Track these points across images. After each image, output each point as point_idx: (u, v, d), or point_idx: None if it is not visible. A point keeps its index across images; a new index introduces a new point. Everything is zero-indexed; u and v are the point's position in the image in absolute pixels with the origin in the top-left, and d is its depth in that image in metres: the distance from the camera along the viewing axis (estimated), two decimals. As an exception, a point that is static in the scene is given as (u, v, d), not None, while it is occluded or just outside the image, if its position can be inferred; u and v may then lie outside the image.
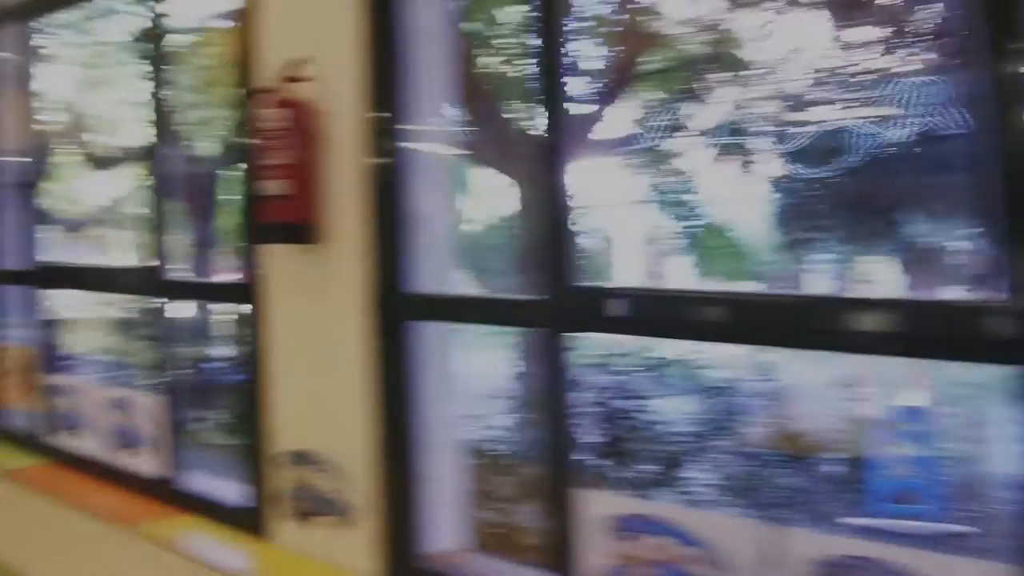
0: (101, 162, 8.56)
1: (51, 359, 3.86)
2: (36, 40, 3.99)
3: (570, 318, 2.03)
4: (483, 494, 3.32)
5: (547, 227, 2.06)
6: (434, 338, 2.43)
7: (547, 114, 2.13)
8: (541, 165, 2.13)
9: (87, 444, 3.51)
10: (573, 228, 2.07)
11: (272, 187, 2.47)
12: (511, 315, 2.18)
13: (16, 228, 4.01)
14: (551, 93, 2.13)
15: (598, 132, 7.96)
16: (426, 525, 2.43)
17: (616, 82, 7.99)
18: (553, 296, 2.05)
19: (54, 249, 4.20)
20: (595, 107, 8.00)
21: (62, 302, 3.91)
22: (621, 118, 8.52)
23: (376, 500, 2.43)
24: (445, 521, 2.48)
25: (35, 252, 3.88)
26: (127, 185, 8.22)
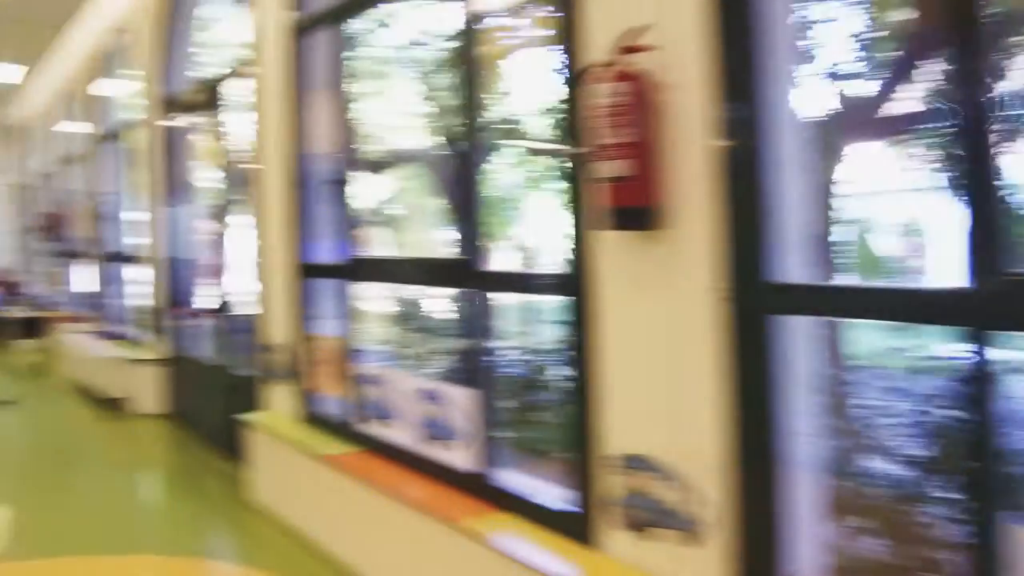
0: (375, 165, 9.06)
1: (359, 349, 3.98)
2: (345, 45, 4.14)
3: (1008, 313, 1.64)
4: (842, 514, 2.94)
5: (975, 208, 1.69)
6: (798, 334, 2.12)
7: (969, 94, 1.74)
8: (964, 145, 1.75)
9: (398, 434, 3.56)
10: (1009, 208, 1.68)
11: (611, 168, 2.28)
12: (922, 310, 1.81)
13: (329, 224, 4.19)
14: (973, 70, 1.74)
15: (887, 110, 7.17)
16: (784, 546, 2.12)
17: (911, 53, 7.13)
18: (982, 286, 1.67)
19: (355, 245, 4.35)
20: (883, 83, 7.21)
21: (367, 294, 4.02)
22: (914, 94, 7.60)
23: (729, 515, 2.16)
24: (804, 543, 2.16)
25: (347, 246, 4.02)
26: (403, 186, 8.62)
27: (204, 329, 6.27)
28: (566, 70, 2.65)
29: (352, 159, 4.07)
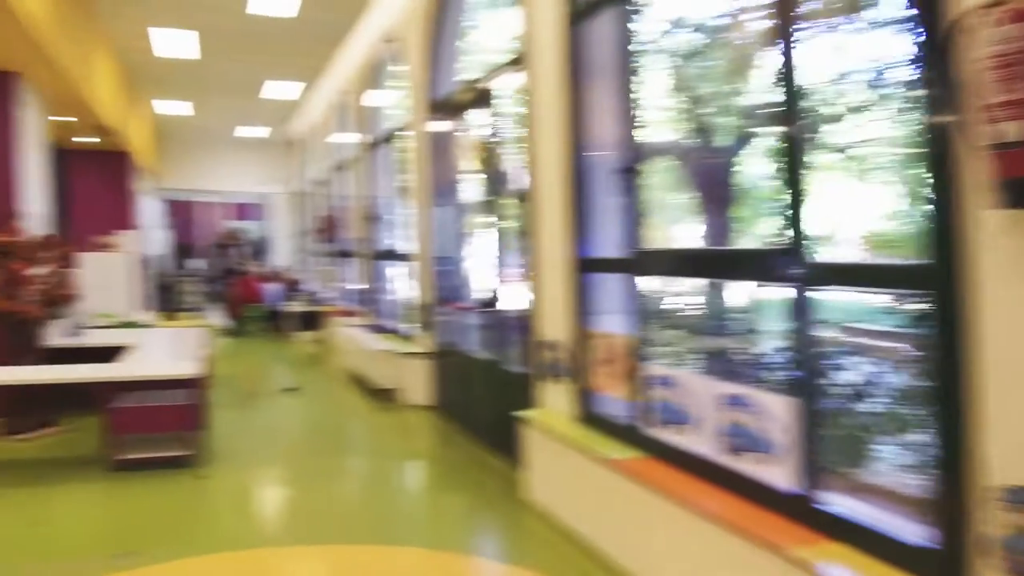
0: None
1: (646, 348, 3.73)
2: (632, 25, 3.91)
3: None
4: None
5: None
6: None
7: None
8: None
9: (693, 441, 3.27)
10: None
11: (1002, 132, 1.84)
12: None
13: (609, 216, 4.00)
14: None
15: None
16: None
17: None
18: None
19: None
20: None
21: (652, 288, 3.76)
22: None
23: None
24: None
25: (634, 239, 3.78)
26: (649, 180, 8.37)
27: (473, 324, 6.37)
28: (921, 21, 2.22)
29: (637, 149, 3.82)
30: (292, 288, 14.81)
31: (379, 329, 9.03)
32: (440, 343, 6.97)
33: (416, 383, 7.31)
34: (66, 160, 12.37)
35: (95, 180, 13.33)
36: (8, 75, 6.87)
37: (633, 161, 3.79)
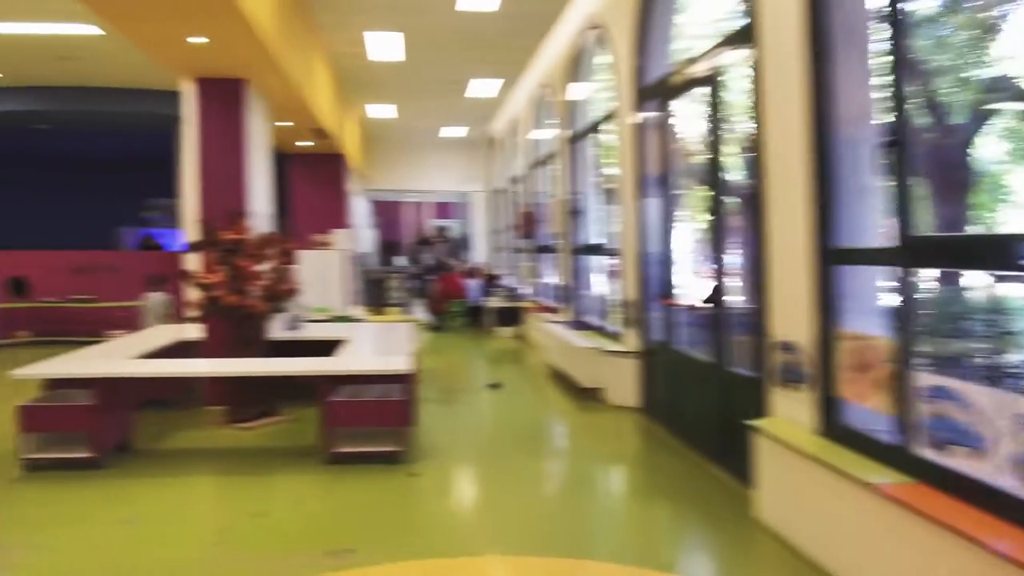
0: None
1: (914, 353, 3.17)
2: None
3: None
4: None
5: None
6: None
7: None
8: None
9: (984, 468, 2.71)
10: None
11: None
12: None
13: (868, 199, 3.46)
14: None
15: None
16: None
17: None
18: None
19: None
20: None
21: (917, 284, 3.19)
22: None
23: None
24: None
25: (904, 224, 3.19)
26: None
27: (688, 322, 5.96)
28: None
29: (903, 120, 3.24)
30: (491, 284, 14.97)
31: (581, 325, 8.80)
32: (650, 341, 6.60)
33: (622, 383, 6.99)
34: (286, 163, 13.20)
35: (312, 182, 14.16)
36: (239, 82, 7.29)
37: (899, 134, 3.22)
